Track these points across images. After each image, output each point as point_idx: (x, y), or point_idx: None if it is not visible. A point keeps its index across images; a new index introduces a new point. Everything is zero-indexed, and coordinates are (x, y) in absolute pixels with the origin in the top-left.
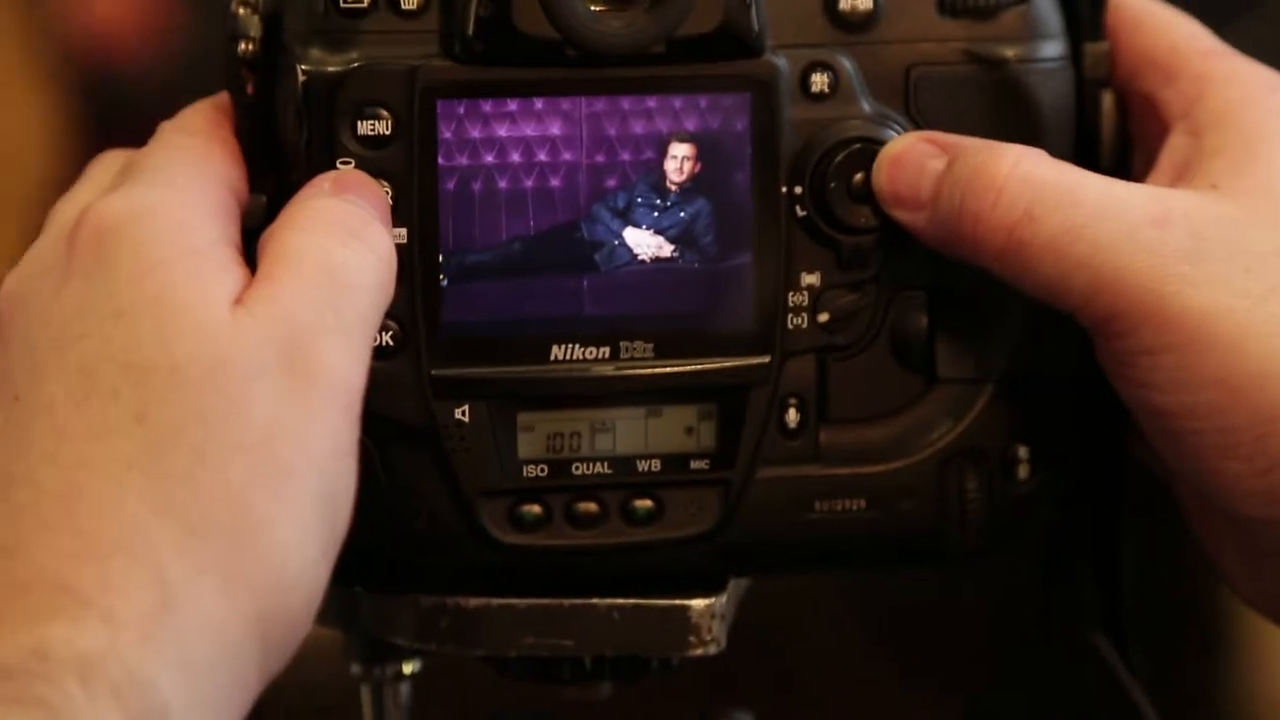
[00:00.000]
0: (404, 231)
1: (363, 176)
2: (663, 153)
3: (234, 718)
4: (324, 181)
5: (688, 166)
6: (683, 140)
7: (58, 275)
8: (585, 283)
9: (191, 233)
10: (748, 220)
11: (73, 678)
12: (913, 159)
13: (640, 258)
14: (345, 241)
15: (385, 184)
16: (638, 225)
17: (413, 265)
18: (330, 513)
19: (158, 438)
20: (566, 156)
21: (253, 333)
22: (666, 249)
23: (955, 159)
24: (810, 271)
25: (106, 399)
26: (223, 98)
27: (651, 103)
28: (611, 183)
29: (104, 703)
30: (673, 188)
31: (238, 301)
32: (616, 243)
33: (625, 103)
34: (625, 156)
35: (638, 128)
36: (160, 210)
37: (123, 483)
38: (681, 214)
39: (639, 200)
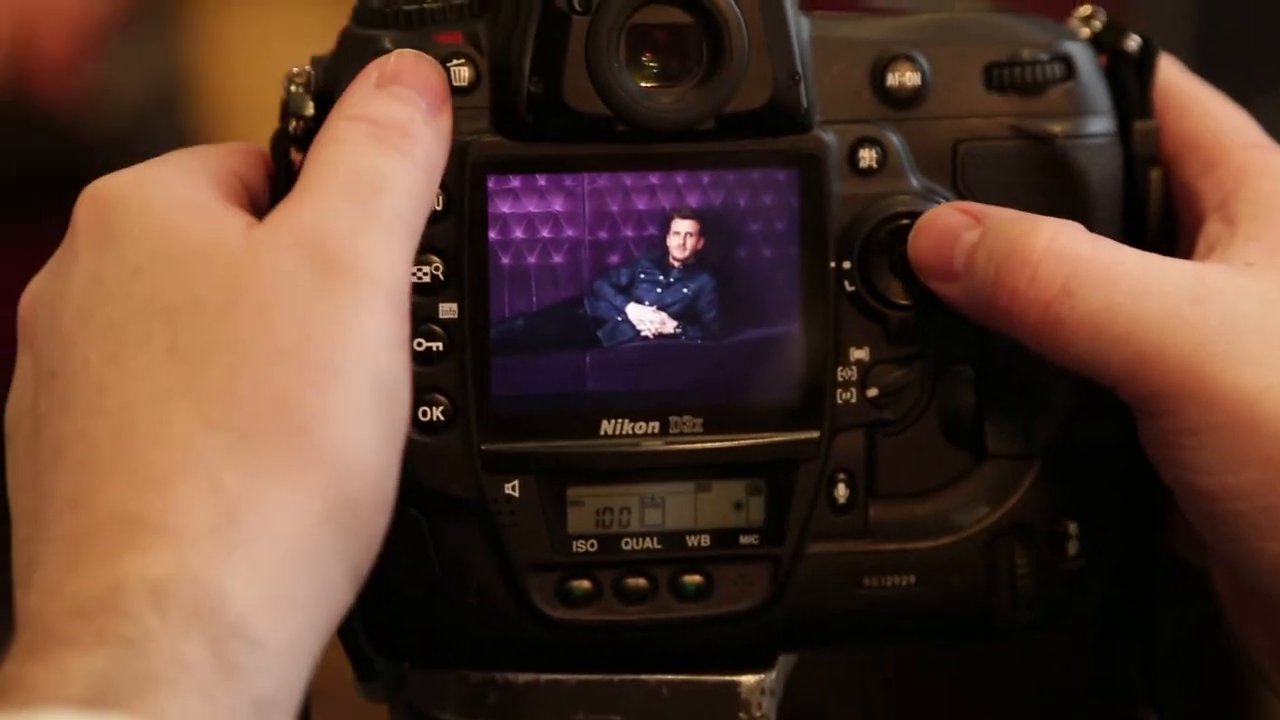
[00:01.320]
0: (455, 306)
1: (413, 60)
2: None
3: (321, 614)
4: (371, 73)
5: (690, 242)
6: (685, 216)
7: (67, 259)
8: (635, 357)
9: (192, 190)
10: (785, 294)
11: (148, 606)
12: (946, 229)
13: (643, 333)
14: (378, 150)
15: (436, 259)
16: (639, 301)
17: (463, 340)
18: (386, 402)
19: (193, 364)
20: (628, 232)
21: (269, 244)
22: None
23: (989, 230)
24: (859, 346)
25: (138, 346)
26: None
27: (706, 178)
28: (614, 258)
29: (180, 625)
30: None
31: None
32: (619, 318)
33: (680, 178)
34: (652, 231)
35: (693, 200)
36: (158, 178)
37: (168, 411)
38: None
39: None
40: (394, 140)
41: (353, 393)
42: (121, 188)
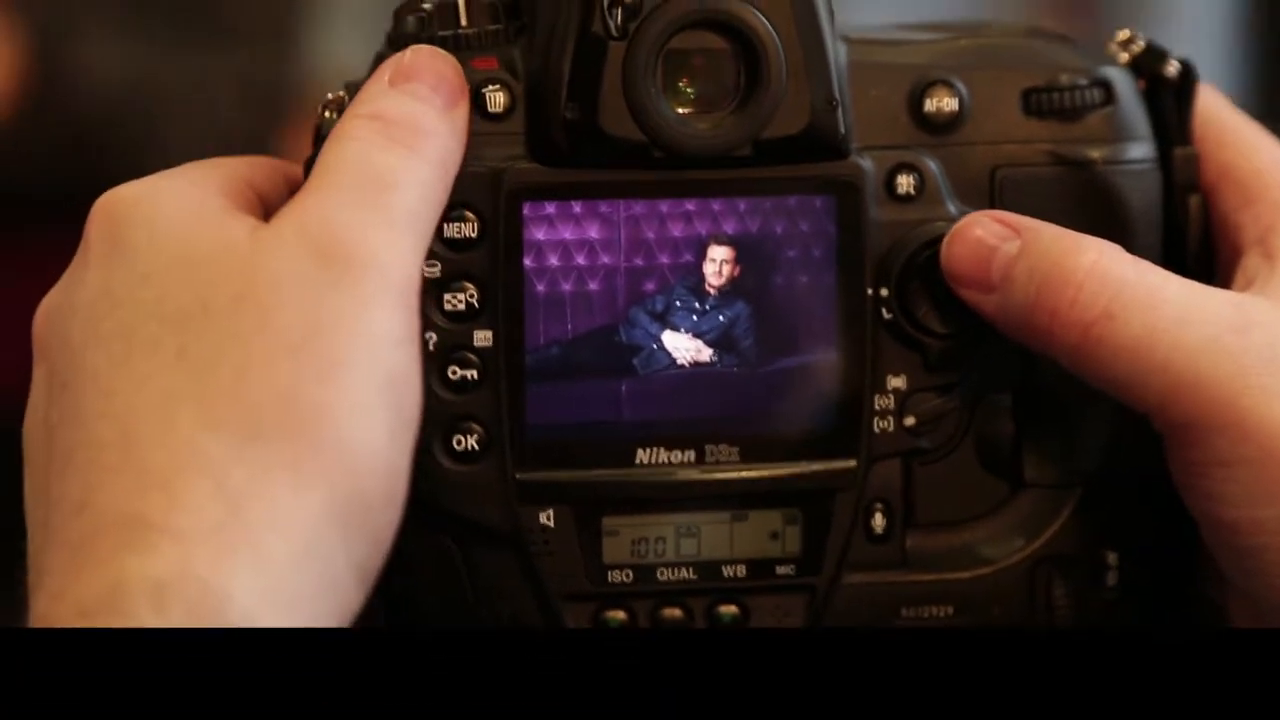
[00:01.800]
0: (489, 334)
1: (427, 55)
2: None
3: (327, 614)
4: (385, 71)
5: (726, 270)
6: (721, 243)
7: (79, 271)
8: (670, 385)
9: (201, 199)
10: (822, 321)
11: (146, 606)
12: (983, 238)
13: (679, 361)
14: (388, 148)
15: (471, 286)
16: (675, 329)
17: (498, 368)
18: (395, 398)
19: (199, 368)
20: (663, 259)
21: (274, 243)
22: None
23: (1029, 245)
24: (896, 374)
25: (147, 351)
26: (295, 168)
27: (742, 205)
28: (650, 286)
29: (180, 625)
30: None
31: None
32: (655, 346)
33: (716, 205)
34: (687, 258)
35: (729, 227)
36: (167, 189)
37: (173, 414)
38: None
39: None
40: (405, 138)
41: (359, 387)
42: (131, 199)
